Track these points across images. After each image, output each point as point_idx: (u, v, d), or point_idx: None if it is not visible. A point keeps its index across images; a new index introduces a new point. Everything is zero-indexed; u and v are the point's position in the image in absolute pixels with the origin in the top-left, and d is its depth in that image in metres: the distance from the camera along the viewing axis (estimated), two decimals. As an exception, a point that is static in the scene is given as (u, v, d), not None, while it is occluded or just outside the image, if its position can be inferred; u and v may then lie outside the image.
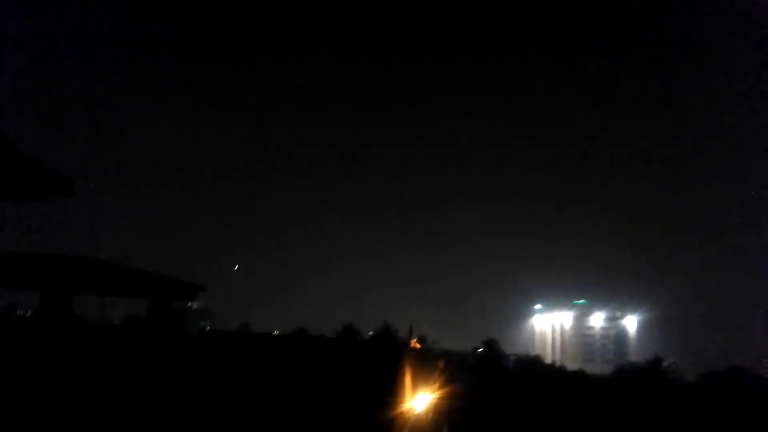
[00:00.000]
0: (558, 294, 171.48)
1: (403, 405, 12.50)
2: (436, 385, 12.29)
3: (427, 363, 15.39)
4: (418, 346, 17.28)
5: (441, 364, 12.69)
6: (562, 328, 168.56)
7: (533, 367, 35.56)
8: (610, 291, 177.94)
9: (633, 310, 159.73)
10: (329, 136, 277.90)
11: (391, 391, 12.05)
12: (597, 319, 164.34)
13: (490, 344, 43.47)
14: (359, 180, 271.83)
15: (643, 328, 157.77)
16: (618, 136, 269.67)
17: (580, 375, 30.08)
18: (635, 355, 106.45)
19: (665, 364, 36.35)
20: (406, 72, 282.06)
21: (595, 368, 72.27)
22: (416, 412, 12.39)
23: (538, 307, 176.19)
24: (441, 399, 12.05)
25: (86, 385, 12.32)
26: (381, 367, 11.85)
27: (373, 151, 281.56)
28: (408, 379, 13.11)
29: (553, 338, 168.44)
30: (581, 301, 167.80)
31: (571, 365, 65.68)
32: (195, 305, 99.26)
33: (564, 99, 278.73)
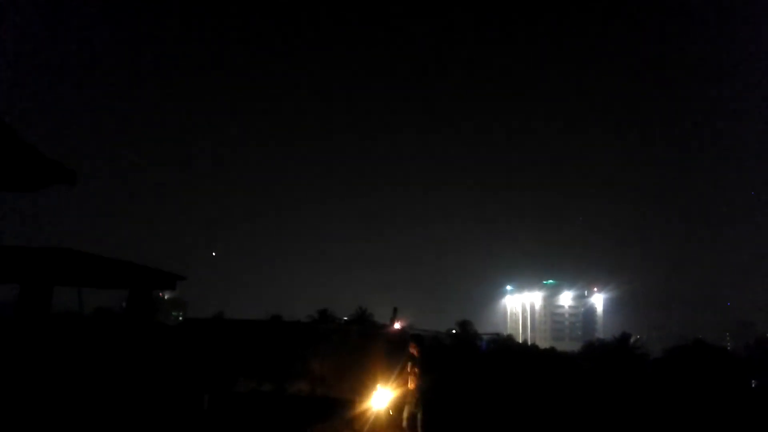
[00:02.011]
0: (528, 275, 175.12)
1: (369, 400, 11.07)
2: (404, 376, 10.20)
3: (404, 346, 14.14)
4: (399, 328, 16.55)
5: (412, 349, 10.32)
6: (532, 308, 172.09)
7: (506, 346, 36.42)
8: (579, 271, 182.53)
9: (600, 289, 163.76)
10: (300, 120, 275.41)
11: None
12: (566, 298, 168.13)
13: (464, 325, 44.14)
14: (332, 165, 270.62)
15: (610, 306, 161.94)
16: (586, 116, 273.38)
17: (550, 352, 31.02)
18: (603, 333, 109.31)
19: (632, 340, 37.58)
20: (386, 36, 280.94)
21: (564, 346, 74.02)
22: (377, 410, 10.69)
23: (509, 288, 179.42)
24: (410, 393, 10.10)
25: (71, 378, 12.39)
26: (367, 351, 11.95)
27: (345, 134, 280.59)
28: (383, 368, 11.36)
29: (524, 318, 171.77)
30: (550, 281, 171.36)
31: (542, 344, 67.26)
32: (167, 295, 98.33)
33: (535, 81, 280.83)
